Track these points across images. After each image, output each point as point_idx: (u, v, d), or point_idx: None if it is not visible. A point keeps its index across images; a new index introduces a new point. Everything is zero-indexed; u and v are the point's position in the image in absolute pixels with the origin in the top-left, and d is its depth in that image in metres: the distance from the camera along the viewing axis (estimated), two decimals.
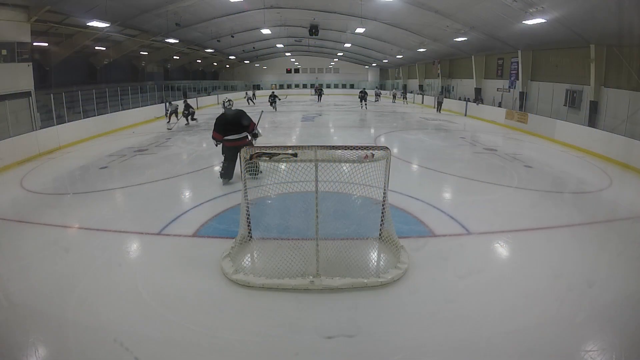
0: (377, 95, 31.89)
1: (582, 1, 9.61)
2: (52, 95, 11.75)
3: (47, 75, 15.65)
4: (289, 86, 41.51)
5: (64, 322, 3.08)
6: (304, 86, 41.15)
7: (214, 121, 6.84)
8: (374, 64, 37.86)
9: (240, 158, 4.05)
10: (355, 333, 2.96)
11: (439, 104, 21.21)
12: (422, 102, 26.01)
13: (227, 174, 6.70)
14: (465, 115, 19.29)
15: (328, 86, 41.08)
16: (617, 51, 10.81)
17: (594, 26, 10.62)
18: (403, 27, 18.35)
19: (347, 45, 28.07)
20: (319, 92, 30.47)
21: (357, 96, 23.71)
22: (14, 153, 8.90)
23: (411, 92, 29.99)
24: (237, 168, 6.05)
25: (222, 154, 6.82)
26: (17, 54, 11.04)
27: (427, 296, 3.47)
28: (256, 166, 5.07)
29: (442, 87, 24.86)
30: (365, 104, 23.11)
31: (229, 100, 6.98)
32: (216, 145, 6.97)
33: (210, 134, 6.96)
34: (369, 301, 3.36)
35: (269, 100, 22.27)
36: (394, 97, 30.97)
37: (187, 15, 17.12)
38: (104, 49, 18.94)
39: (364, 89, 24.51)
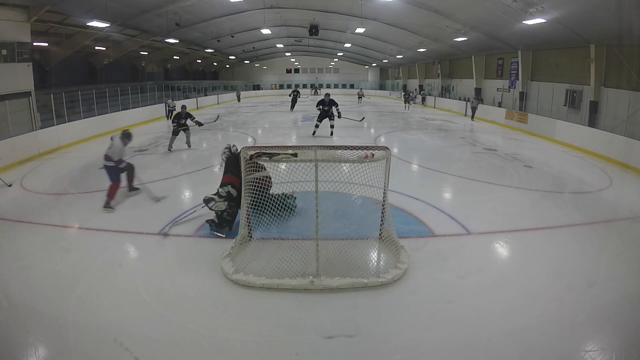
0: (360, 97, 28.30)
1: (582, 1, 9.61)
2: (52, 95, 11.74)
3: (47, 75, 15.66)
4: (289, 86, 41.54)
5: (64, 322, 3.09)
6: (304, 86, 41.19)
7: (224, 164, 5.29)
8: (374, 64, 37.89)
9: (241, 158, 4.06)
10: (355, 333, 2.96)
11: (473, 109, 17.55)
12: (422, 103, 25.98)
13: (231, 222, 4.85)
14: (465, 115, 19.28)
15: (328, 86, 41.08)
16: (617, 51, 10.81)
17: (594, 26, 10.62)
18: (403, 27, 18.36)
19: (347, 45, 28.09)
20: (294, 96, 22.12)
21: (317, 108, 11.84)
22: (14, 153, 8.90)
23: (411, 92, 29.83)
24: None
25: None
26: (17, 54, 11.05)
27: (427, 296, 3.47)
28: (290, 203, 4.72)
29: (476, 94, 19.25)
30: (331, 129, 11.79)
31: (234, 145, 5.38)
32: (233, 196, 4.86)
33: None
34: (369, 301, 3.36)
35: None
36: (408, 100, 23.97)
37: (187, 15, 17.14)
38: (104, 49, 18.95)
39: (328, 95, 12.04)
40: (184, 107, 10.56)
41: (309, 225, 4.06)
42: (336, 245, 4.09)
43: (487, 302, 3.36)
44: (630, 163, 8.51)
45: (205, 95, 27.99)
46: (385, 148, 3.94)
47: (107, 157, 5.74)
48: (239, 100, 30.94)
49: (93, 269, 3.93)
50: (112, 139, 5.91)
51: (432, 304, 3.36)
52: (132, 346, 2.79)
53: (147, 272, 3.88)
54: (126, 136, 5.89)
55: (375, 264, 4.04)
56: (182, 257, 4.19)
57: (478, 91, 20.18)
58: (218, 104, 27.81)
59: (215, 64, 36.18)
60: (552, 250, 4.43)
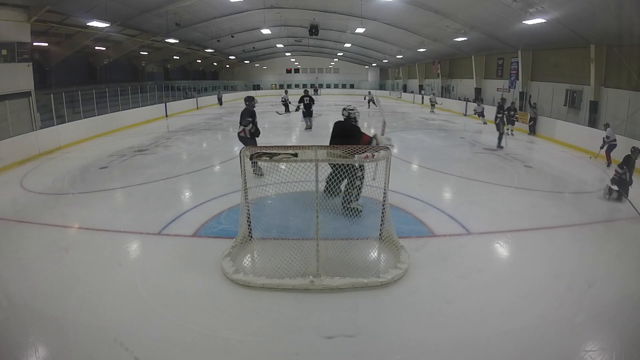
0: (370, 101, 22.21)
1: (582, 1, 9.60)
2: (52, 95, 11.75)
3: (47, 75, 15.66)
4: (289, 86, 41.54)
5: (64, 322, 3.08)
6: (304, 86, 41.18)
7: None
8: (374, 64, 37.86)
9: (240, 157, 4.06)
10: (355, 333, 2.96)
11: (533, 120, 13.69)
12: (422, 103, 25.99)
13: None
14: (465, 115, 19.28)
15: (328, 86, 41.10)
16: (617, 51, 10.81)
17: (594, 26, 10.62)
18: (403, 27, 18.35)
19: (347, 45, 28.05)
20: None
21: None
22: (14, 153, 8.90)
23: (412, 92, 29.72)
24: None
25: None
26: (17, 54, 11.04)
27: (427, 296, 3.47)
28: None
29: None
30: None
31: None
32: None
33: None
34: (369, 301, 3.36)
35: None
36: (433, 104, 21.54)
37: (187, 15, 17.12)
38: (104, 49, 18.95)
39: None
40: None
41: (309, 225, 4.06)
42: (336, 245, 4.09)
43: (487, 302, 3.36)
44: None
45: (195, 95, 25.33)
46: (386, 148, 3.94)
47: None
48: (220, 104, 26.40)
49: (93, 269, 3.93)
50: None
51: (432, 304, 3.36)
52: (132, 346, 2.79)
53: (147, 272, 3.88)
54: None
55: (375, 264, 4.04)
56: (182, 257, 4.19)
57: (478, 91, 20.16)
58: (219, 104, 27.74)
59: (215, 64, 36.16)
60: (552, 251, 4.43)
